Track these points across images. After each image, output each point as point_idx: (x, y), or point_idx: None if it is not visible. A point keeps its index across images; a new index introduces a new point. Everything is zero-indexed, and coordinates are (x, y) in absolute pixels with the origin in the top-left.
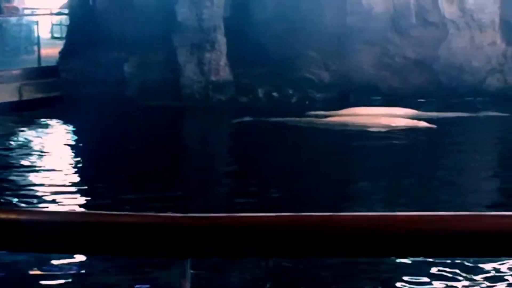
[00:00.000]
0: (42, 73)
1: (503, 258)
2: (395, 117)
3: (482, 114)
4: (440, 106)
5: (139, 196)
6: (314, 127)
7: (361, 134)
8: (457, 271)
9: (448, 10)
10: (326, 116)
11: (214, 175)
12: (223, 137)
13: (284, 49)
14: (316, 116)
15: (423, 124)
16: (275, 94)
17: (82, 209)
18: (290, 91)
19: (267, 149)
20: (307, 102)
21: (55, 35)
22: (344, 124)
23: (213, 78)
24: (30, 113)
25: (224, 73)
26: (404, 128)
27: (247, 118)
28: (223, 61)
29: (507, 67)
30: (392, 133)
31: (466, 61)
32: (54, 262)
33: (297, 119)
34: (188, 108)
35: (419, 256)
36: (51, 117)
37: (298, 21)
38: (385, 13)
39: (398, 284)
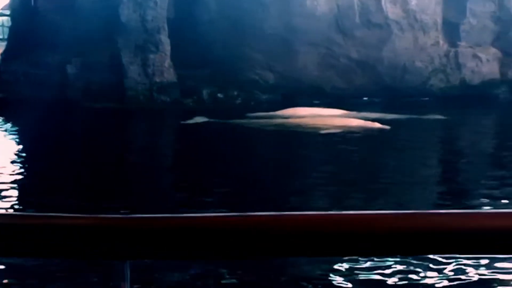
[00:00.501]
0: None
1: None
2: (349, 118)
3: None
4: (384, 106)
5: (79, 200)
6: (266, 129)
7: (312, 135)
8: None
9: (392, 11)
10: (267, 117)
11: (157, 178)
12: (167, 138)
13: (228, 51)
14: (257, 117)
15: (377, 125)
16: (220, 95)
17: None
18: (235, 92)
19: (213, 150)
20: (252, 103)
21: None
22: (298, 126)
23: (157, 79)
24: None
25: (168, 74)
26: (355, 129)
27: (200, 119)
28: (167, 62)
29: (450, 68)
30: (342, 134)
31: (410, 62)
32: None
33: (253, 120)
34: (132, 110)
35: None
36: None
37: (243, 22)
38: (329, 14)
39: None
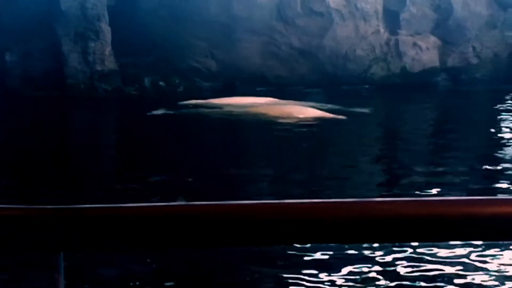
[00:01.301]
0: None
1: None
2: (306, 108)
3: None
4: (327, 95)
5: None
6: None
7: (268, 124)
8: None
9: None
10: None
11: (100, 167)
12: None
13: (170, 38)
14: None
15: (330, 115)
16: (161, 83)
17: None
18: (177, 80)
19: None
20: (194, 91)
21: None
22: (248, 114)
23: (98, 67)
24: None
25: (109, 62)
26: (309, 119)
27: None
28: (108, 50)
29: (390, 56)
30: (295, 124)
31: (351, 50)
32: None
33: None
34: (73, 98)
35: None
36: None
37: (184, 9)
38: (271, 2)
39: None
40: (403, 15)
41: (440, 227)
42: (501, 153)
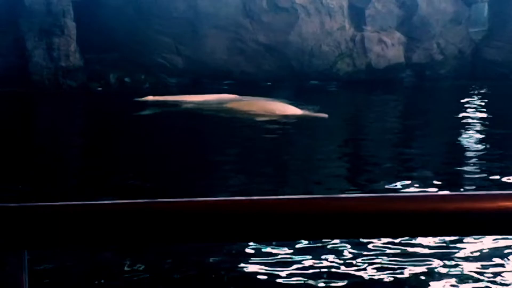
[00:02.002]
0: None
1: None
2: (285, 106)
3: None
4: (293, 91)
5: None
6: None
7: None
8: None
9: None
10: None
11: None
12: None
13: (136, 34)
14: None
15: (313, 114)
16: (127, 79)
17: None
18: (143, 77)
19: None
20: (160, 87)
21: None
22: (229, 111)
23: (63, 64)
24: None
25: (74, 58)
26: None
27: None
28: (73, 46)
29: (356, 52)
30: (275, 122)
31: (316, 46)
32: None
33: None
34: (38, 94)
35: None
36: None
37: (150, 6)
38: None
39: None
40: (368, 12)
41: (411, 223)
42: (466, 149)
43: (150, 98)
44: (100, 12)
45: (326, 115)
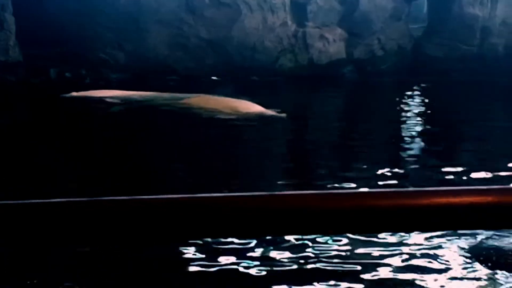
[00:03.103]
0: None
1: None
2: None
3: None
4: (235, 86)
5: None
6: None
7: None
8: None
9: None
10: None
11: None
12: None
13: (78, 29)
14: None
15: (271, 112)
16: (68, 74)
17: None
18: (84, 72)
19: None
20: (101, 83)
21: None
22: (189, 108)
23: (1, 58)
24: None
25: (14, 53)
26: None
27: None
28: (12, 41)
29: (298, 48)
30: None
31: (259, 42)
32: None
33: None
34: None
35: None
36: None
37: (92, 0)
38: None
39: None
40: (310, 8)
41: (367, 219)
42: (406, 143)
43: (74, 94)
44: (42, 7)
45: (284, 115)
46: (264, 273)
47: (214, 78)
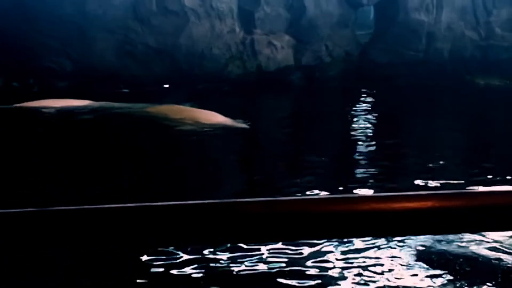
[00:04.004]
0: None
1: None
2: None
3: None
4: (184, 94)
5: None
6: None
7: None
8: None
9: None
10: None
11: None
12: None
13: (23, 38)
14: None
15: (233, 123)
16: (15, 84)
17: None
18: (31, 81)
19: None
20: (48, 91)
21: None
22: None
23: None
24: None
25: None
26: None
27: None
28: None
29: (246, 55)
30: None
31: (207, 49)
32: None
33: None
34: None
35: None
36: None
37: (37, 9)
38: (126, 1)
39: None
40: (258, 15)
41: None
42: (353, 148)
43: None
44: None
45: (247, 125)
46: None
47: (165, 86)
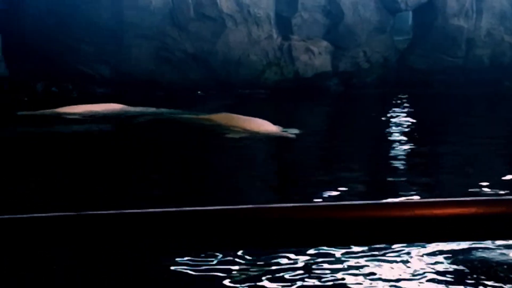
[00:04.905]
0: None
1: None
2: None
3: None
4: (222, 100)
5: None
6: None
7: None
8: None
9: (225, 5)
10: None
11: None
12: None
13: (62, 44)
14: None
15: (281, 132)
16: (54, 89)
17: None
18: (70, 86)
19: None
20: (86, 97)
21: None
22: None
23: None
24: None
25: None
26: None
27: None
28: None
29: (284, 61)
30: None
31: (244, 55)
32: None
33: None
34: None
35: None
36: None
37: (74, 15)
38: (164, 7)
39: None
40: (295, 21)
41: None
42: (391, 154)
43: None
44: (25, 22)
45: (294, 135)
46: None
47: (199, 92)
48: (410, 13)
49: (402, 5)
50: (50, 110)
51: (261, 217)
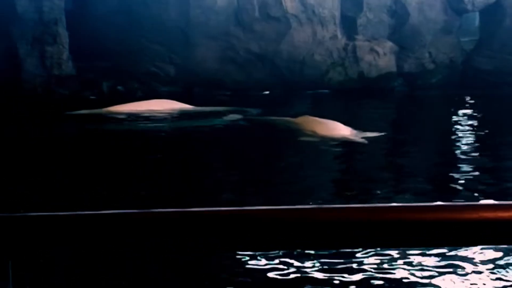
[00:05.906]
0: None
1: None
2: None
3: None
4: (283, 100)
5: None
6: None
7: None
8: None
9: (290, 5)
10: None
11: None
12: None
13: (128, 43)
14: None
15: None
16: (120, 88)
17: None
18: (135, 85)
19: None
20: (152, 96)
21: None
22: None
23: (55, 72)
24: None
25: (67, 67)
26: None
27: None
28: (66, 54)
29: (348, 61)
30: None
31: (308, 55)
32: None
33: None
34: (29, 102)
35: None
36: None
37: (141, 14)
38: (228, 7)
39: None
40: (360, 21)
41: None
42: (458, 156)
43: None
44: (93, 21)
45: (366, 141)
46: None
47: (266, 92)
48: (477, 14)
49: (469, 6)
50: (112, 108)
51: (279, 218)
